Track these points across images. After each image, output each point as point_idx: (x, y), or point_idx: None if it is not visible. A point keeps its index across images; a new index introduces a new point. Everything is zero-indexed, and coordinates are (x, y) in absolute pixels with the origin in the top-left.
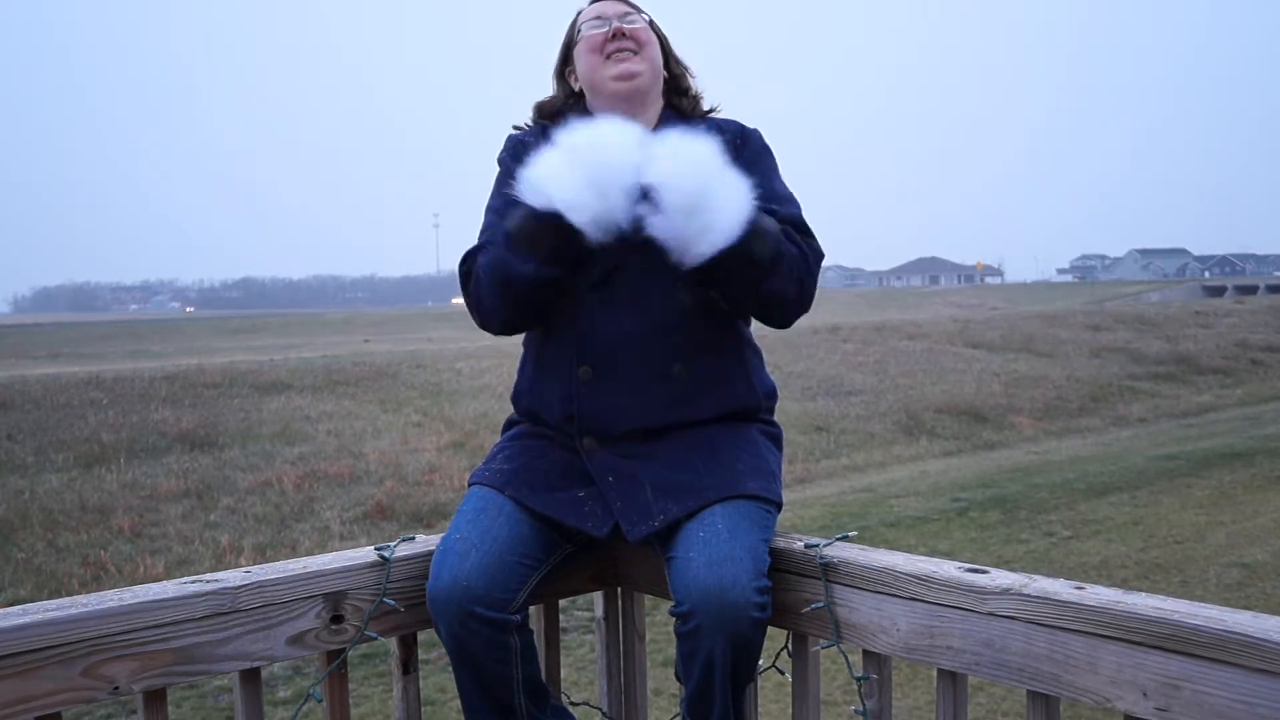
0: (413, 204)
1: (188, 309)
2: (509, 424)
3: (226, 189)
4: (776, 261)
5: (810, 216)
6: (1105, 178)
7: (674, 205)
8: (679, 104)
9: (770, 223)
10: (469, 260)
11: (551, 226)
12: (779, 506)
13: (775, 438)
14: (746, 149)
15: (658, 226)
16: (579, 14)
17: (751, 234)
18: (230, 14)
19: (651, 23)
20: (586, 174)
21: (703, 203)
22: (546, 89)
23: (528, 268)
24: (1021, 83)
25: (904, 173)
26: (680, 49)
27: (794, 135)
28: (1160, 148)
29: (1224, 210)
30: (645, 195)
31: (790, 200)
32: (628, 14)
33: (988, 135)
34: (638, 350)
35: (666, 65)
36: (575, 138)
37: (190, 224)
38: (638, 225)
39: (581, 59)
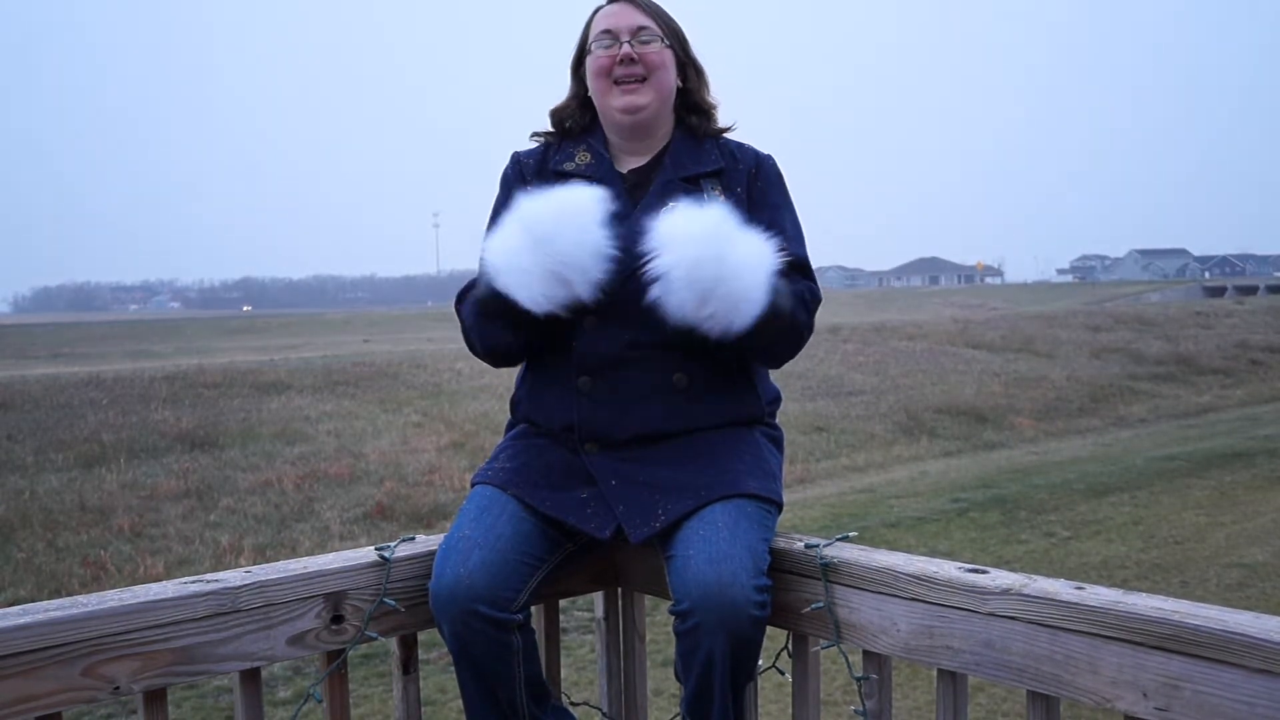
0: (413, 204)
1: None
2: (511, 424)
3: (227, 188)
4: (779, 337)
5: (810, 217)
6: (1105, 178)
7: (685, 292)
8: (692, 123)
9: (783, 303)
10: (462, 299)
11: (515, 309)
12: (779, 507)
13: (776, 440)
14: (759, 178)
15: (669, 307)
16: (595, 13)
17: (763, 320)
18: (228, 15)
19: (669, 29)
20: (548, 270)
21: (714, 292)
22: (546, 90)
23: (506, 336)
24: (1022, 82)
25: (904, 173)
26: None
27: (794, 134)
28: (1161, 148)
29: (1224, 210)
30: (661, 283)
31: (797, 238)
32: (642, 29)
33: (988, 135)
34: (638, 362)
35: (684, 75)
36: (535, 224)
37: (190, 224)
38: (651, 303)
39: (590, 79)
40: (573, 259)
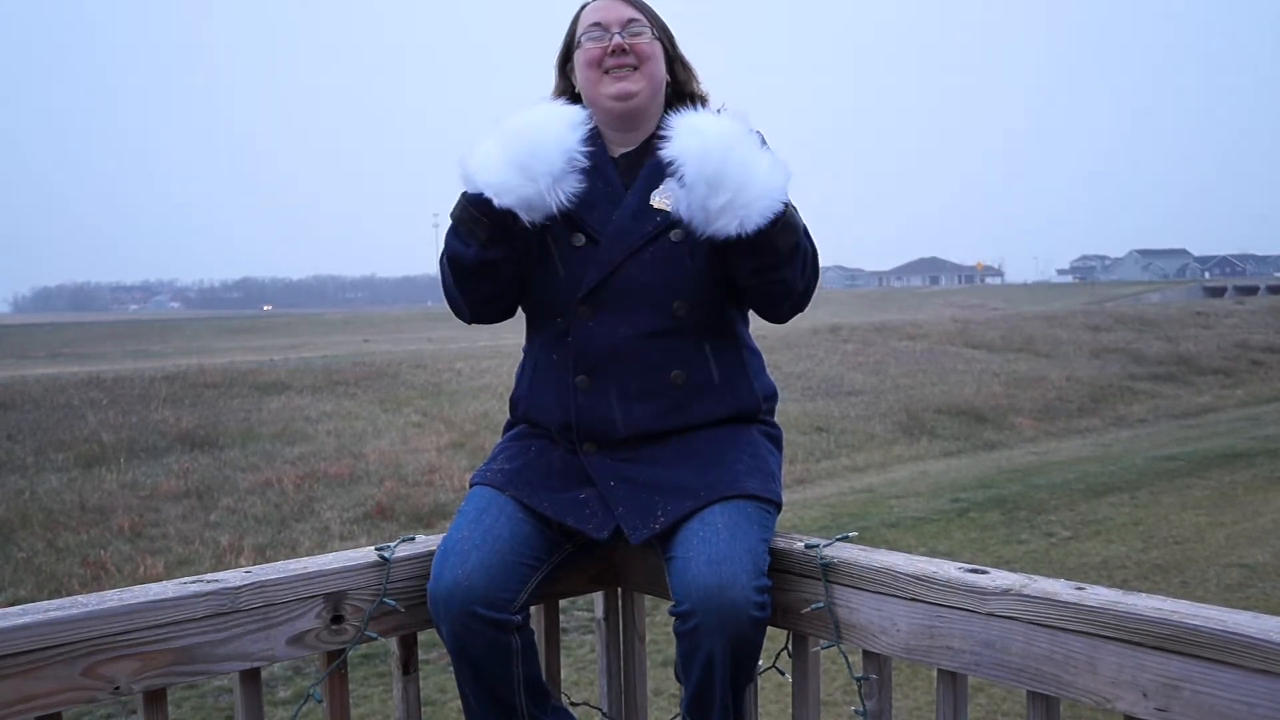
0: (413, 204)
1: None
2: (510, 424)
3: (226, 189)
4: (794, 254)
5: (810, 216)
6: (1105, 178)
7: (694, 178)
8: (682, 109)
9: (799, 219)
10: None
11: (485, 210)
12: (779, 507)
13: (775, 439)
14: None
15: (680, 201)
16: (582, 8)
17: (779, 224)
18: (226, 14)
19: (657, 23)
20: (513, 158)
21: (725, 179)
22: (547, 89)
23: (471, 251)
24: (1022, 83)
25: (904, 173)
26: (686, 45)
27: (793, 135)
28: (1161, 148)
29: (1224, 211)
30: (673, 169)
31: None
32: (632, 22)
33: (988, 135)
34: (634, 358)
35: (671, 69)
36: (509, 123)
37: (190, 224)
38: (663, 201)
39: (579, 70)
40: (542, 152)
